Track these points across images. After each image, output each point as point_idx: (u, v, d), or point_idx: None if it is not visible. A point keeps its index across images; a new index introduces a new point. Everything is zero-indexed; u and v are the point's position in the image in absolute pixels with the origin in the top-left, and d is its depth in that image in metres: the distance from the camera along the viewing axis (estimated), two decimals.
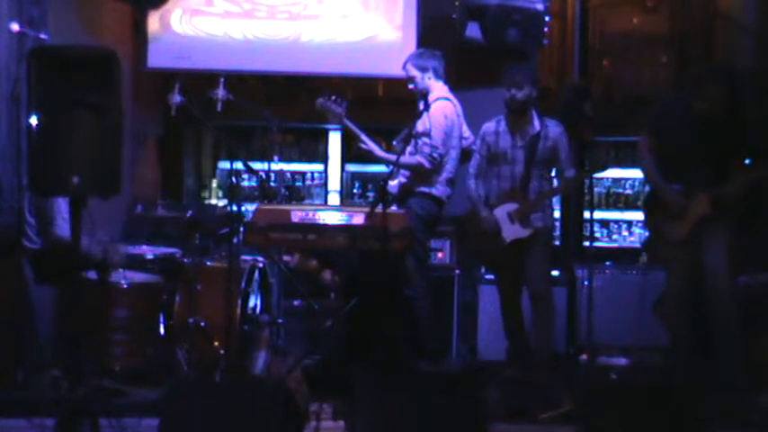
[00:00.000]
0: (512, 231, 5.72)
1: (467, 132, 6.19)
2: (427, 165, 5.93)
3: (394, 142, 6.19)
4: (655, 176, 5.50)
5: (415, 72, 6.03)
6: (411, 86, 6.08)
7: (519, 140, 5.77)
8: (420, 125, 5.79)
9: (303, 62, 7.21)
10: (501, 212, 5.75)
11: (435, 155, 5.92)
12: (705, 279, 5.36)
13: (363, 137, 6.09)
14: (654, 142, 5.53)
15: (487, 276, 6.60)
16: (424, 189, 5.98)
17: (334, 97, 6.07)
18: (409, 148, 5.91)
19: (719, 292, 5.33)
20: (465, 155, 6.17)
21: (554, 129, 5.76)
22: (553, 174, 5.96)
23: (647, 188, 5.74)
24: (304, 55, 7.20)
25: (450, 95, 6.08)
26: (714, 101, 5.33)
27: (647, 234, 6.69)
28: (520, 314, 5.83)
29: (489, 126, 5.88)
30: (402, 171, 5.98)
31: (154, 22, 7.14)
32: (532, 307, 5.73)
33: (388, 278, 5.58)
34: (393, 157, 5.98)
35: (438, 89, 5.96)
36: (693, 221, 5.35)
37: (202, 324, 5.44)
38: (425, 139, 5.91)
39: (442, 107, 5.91)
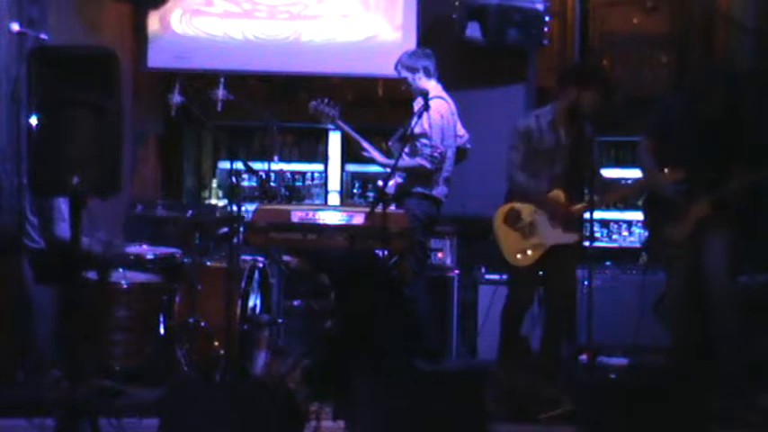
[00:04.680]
0: (554, 236, 5.44)
1: (461, 131, 6.20)
2: (429, 166, 5.93)
3: (390, 143, 6.19)
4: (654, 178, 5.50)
5: (405, 73, 6.06)
6: (404, 87, 6.11)
7: (563, 139, 5.49)
8: (417, 126, 5.77)
9: (303, 62, 7.22)
10: (542, 215, 5.47)
11: (436, 154, 5.92)
12: (705, 280, 5.36)
13: (365, 144, 6.11)
14: (654, 143, 5.52)
15: (487, 276, 6.60)
16: (422, 190, 5.99)
17: (326, 100, 6.09)
18: (406, 149, 5.90)
19: (719, 292, 5.33)
20: (459, 153, 6.18)
21: (589, 129, 5.55)
22: None
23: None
24: (304, 55, 7.20)
25: (444, 94, 6.09)
26: (715, 102, 5.33)
27: (647, 234, 6.69)
28: (523, 320, 5.64)
29: (530, 122, 5.54)
30: (399, 172, 5.97)
31: (154, 22, 7.15)
32: (548, 315, 5.56)
33: (387, 278, 5.58)
34: (394, 163, 5.98)
35: (431, 88, 5.96)
36: (693, 223, 5.34)
37: (202, 324, 5.44)
38: (424, 140, 5.91)
39: (436, 106, 5.91)
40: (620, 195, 5.52)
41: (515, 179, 5.55)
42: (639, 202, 6.23)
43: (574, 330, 6.16)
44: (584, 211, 5.48)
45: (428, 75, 6.05)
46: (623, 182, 5.39)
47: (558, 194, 5.48)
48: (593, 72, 5.72)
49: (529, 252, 5.47)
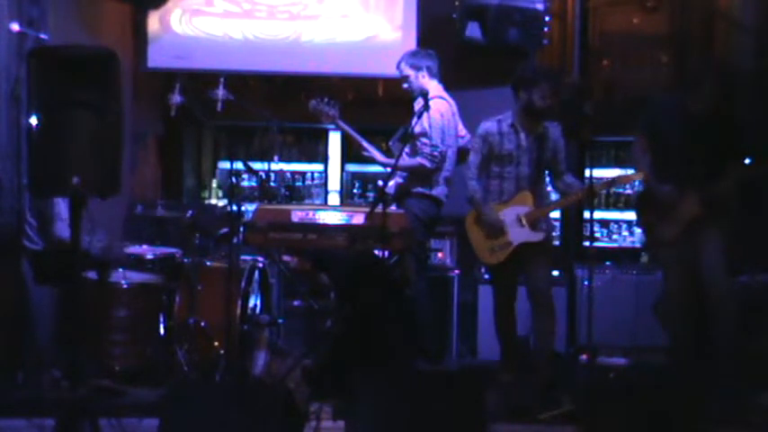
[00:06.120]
0: (521, 234, 5.56)
1: (463, 131, 6.20)
2: (429, 165, 5.93)
3: (390, 143, 6.19)
4: (648, 176, 5.51)
5: (409, 71, 6.06)
6: (405, 86, 6.11)
7: (524, 141, 5.62)
8: (417, 126, 5.77)
9: (303, 62, 7.22)
10: (509, 214, 5.58)
11: (436, 153, 5.93)
12: (702, 279, 5.36)
13: (365, 144, 6.13)
14: (648, 142, 5.53)
15: (487, 276, 6.60)
16: (422, 190, 5.99)
17: (326, 99, 6.10)
18: (406, 149, 5.90)
19: (717, 291, 5.33)
20: (461, 154, 6.17)
21: (554, 130, 5.68)
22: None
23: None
24: (304, 55, 7.21)
25: (445, 94, 6.09)
26: (708, 100, 5.34)
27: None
28: (514, 316, 5.73)
29: (491, 126, 5.68)
30: (399, 171, 5.97)
31: (154, 22, 7.15)
32: (535, 311, 5.61)
33: (388, 278, 5.58)
34: (394, 162, 5.98)
35: (432, 88, 5.97)
36: (684, 222, 5.34)
37: (202, 324, 5.44)
38: (424, 140, 5.92)
39: (437, 106, 5.91)
40: (586, 195, 5.53)
41: (468, 184, 5.71)
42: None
43: (564, 330, 6.20)
44: (551, 211, 5.71)
45: (431, 74, 6.06)
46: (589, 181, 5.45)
47: (526, 196, 5.60)
48: (535, 71, 5.80)
49: (497, 250, 5.61)
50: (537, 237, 5.58)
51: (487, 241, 5.64)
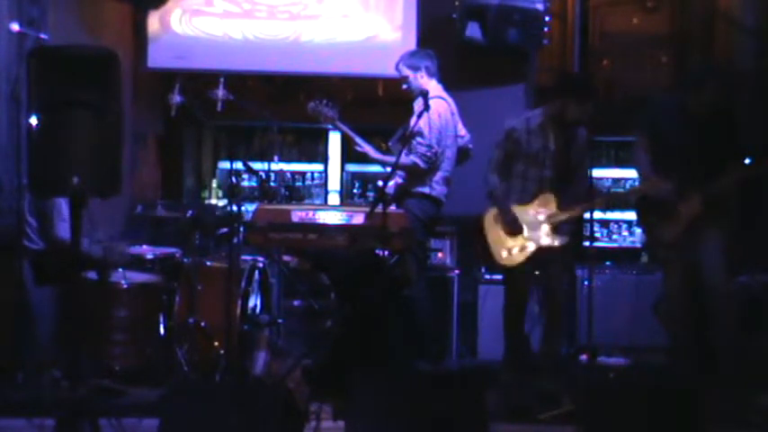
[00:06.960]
0: (541, 238, 5.52)
1: (462, 131, 6.19)
2: (422, 164, 5.92)
3: (390, 143, 6.19)
4: (648, 177, 5.51)
5: (407, 71, 6.05)
6: (405, 86, 6.10)
7: (552, 145, 5.57)
8: (415, 126, 5.77)
9: (303, 62, 7.21)
10: (530, 216, 5.55)
11: (429, 154, 5.91)
12: (702, 279, 5.36)
13: (358, 139, 6.11)
14: (648, 142, 5.53)
15: (487, 276, 6.60)
16: (422, 189, 5.98)
17: (325, 101, 6.09)
18: (405, 149, 5.89)
19: (717, 291, 5.33)
20: (461, 154, 6.17)
21: (582, 133, 5.61)
22: None
23: None
24: (304, 55, 7.20)
25: (445, 94, 6.08)
26: (707, 101, 5.34)
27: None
28: (523, 318, 5.71)
29: (518, 124, 5.62)
30: (399, 171, 5.96)
31: (154, 22, 7.14)
32: (547, 314, 5.59)
33: (388, 279, 5.58)
34: (389, 159, 5.98)
35: (432, 88, 5.96)
36: (685, 222, 5.34)
37: (202, 324, 5.44)
38: (419, 139, 5.90)
39: (435, 107, 5.89)
40: (608, 202, 5.51)
41: (488, 179, 5.67)
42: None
43: (565, 330, 6.18)
44: (569, 218, 5.56)
45: (429, 74, 6.06)
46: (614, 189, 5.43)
47: (549, 198, 5.55)
48: (577, 84, 5.76)
49: (515, 252, 5.55)
50: (559, 241, 5.52)
51: (505, 242, 5.59)
